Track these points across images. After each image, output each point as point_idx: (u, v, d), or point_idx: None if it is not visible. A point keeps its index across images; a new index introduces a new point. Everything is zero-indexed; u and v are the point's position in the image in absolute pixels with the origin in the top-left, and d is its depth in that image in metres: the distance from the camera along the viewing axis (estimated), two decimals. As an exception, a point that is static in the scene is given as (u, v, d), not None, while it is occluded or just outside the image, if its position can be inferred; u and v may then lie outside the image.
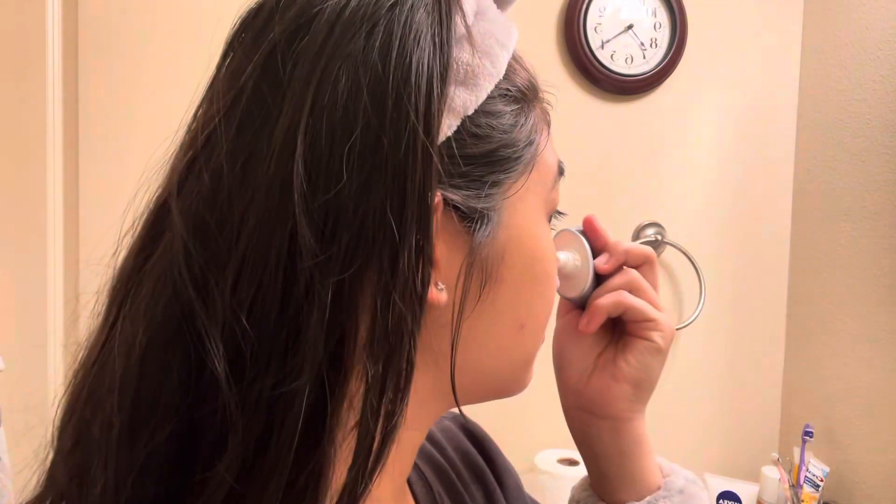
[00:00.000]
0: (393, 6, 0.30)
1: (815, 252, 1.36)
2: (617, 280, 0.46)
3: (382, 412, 0.29)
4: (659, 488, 0.47)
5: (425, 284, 0.30)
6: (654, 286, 0.48)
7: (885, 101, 1.21)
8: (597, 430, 0.47)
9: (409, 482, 0.44)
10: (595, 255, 0.47)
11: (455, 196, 0.33)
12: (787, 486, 1.22)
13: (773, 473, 1.27)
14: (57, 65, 1.18)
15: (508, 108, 0.35)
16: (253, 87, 0.30)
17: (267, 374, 0.27)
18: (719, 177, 1.39)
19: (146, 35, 1.19)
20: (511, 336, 0.37)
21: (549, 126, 0.39)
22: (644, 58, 1.31)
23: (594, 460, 0.49)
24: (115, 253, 0.33)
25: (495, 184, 0.34)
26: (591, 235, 0.47)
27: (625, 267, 0.47)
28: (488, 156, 0.34)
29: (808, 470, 1.23)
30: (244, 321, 0.27)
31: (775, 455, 1.26)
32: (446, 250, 0.33)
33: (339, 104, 0.28)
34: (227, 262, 0.28)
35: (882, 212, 1.21)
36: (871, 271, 1.23)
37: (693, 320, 1.33)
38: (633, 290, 0.46)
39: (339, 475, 0.29)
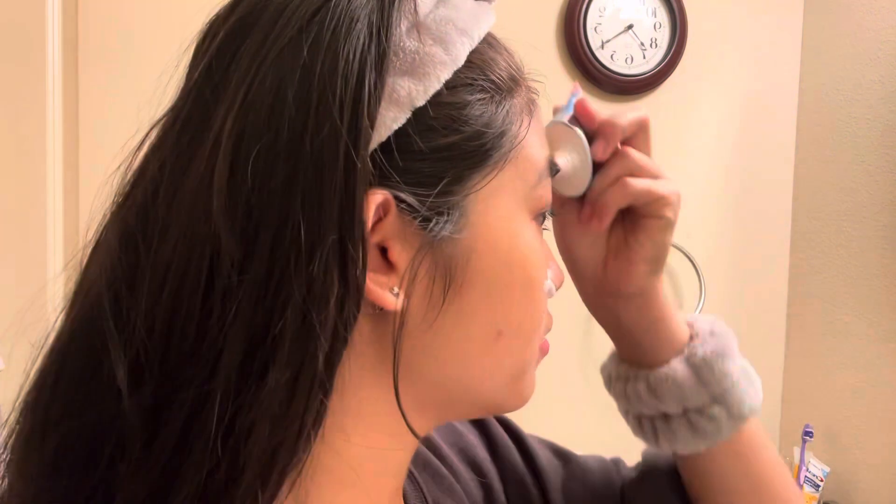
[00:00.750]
0: None
1: (815, 252, 1.36)
2: (616, 168, 0.42)
3: (289, 423, 0.27)
4: (692, 337, 0.47)
5: (352, 288, 0.28)
6: (649, 147, 0.44)
7: (885, 101, 1.21)
8: (623, 309, 0.46)
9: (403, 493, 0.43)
10: (589, 140, 0.43)
11: (405, 194, 0.30)
12: (787, 486, 1.22)
13: (773, 473, 1.27)
14: (57, 64, 1.18)
15: (473, 98, 0.32)
16: (196, 92, 0.29)
17: (178, 377, 0.27)
18: (719, 177, 1.39)
19: (146, 34, 1.19)
20: (486, 345, 0.34)
21: (531, 118, 0.36)
22: (644, 58, 1.31)
23: (625, 335, 0.48)
24: (67, 265, 0.34)
25: (457, 179, 0.31)
26: (584, 120, 0.42)
27: (619, 147, 0.43)
28: (448, 149, 0.31)
29: (808, 470, 1.23)
30: (154, 325, 0.27)
31: (775, 455, 1.26)
32: (403, 253, 0.31)
33: (265, 101, 0.27)
34: (146, 266, 0.27)
35: (882, 212, 1.21)
36: (871, 271, 1.23)
37: (693, 320, 1.33)
38: (634, 172, 0.42)
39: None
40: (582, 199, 0.44)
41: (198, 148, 0.28)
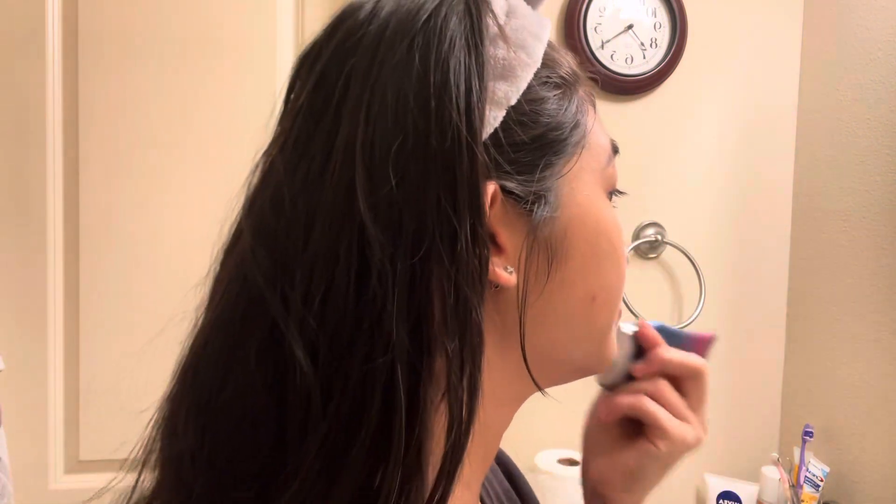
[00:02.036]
0: (427, 19, 0.33)
1: (815, 252, 1.36)
2: (642, 385, 0.48)
3: (465, 384, 0.32)
4: None
5: (483, 264, 0.33)
6: (700, 399, 0.49)
7: (885, 102, 1.21)
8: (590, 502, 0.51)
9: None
10: (642, 356, 0.49)
11: (510, 183, 0.35)
12: (787, 486, 1.22)
13: (773, 473, 1.27)
14: (57, 65, 1.17)
15: (551, 94, 0.37)
16: (308, 106, 0.34)
17: (352, 355, 0.30)
18: (719, 177, 1.39)
19: (146, 35, 1.19)
20: (584, 309, 0.39)
21: (594, 108, 0.41)
22: (644, 58, 1.31)
23: None
24: (211, 266, 0.37)
25: (548, 166, 0.37)
26: (643, 339, 0.49)
27: (659, 378, 0.49)
28: (537, 140, 0.36)
29: (808, 470, 1.23)
30: (319, 310, 0.30)
31: (775, 455, 1.26)
32: (511, 235, 0.36)
33: (390, 112, 0.31)
34: (297, 262, 0.31)
35: (882, 212, 1.21)
36: (871, 271, 1.23)
37: (693, 320, 1.33)
38: (655, 397, 0.48)
39: (437, 449, 0.31)
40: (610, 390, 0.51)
41: (321, 154, 0.32)
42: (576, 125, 0.38)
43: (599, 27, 1.28)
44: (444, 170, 0.31)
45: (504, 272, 0.35)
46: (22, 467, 1.19)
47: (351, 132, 0.32)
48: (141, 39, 1.19)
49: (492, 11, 0.36)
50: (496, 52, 0.35)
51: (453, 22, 0.33)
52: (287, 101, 0.37)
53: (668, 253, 1.37)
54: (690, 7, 1.32)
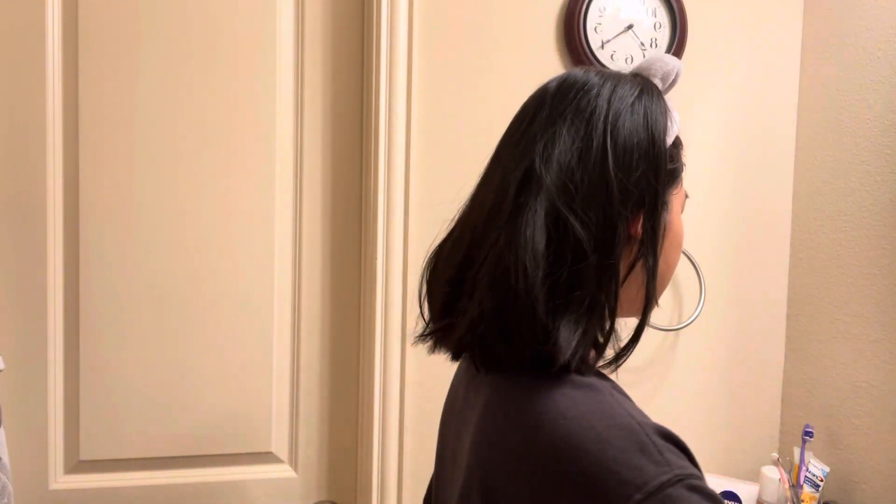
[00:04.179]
0: (639, 94, 0.61)
1: (815, 252, 1.36)
2: None
3: (650, 272, 0.60)
4: None
5: (664, 212, 0.61)
6: None
7: (885, 101, 1.21)
8: None
9: None
10: None
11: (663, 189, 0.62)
12: (787, 486, 1.22)
13: (773, 473, 1.27)
14: (57, 65, 1.17)
15: (676, 150, 0.64)
16: (570, 119, 0.60)
17: (600, 241, 0.56)
18: (719, 177, 1.39)
19: (146, 35, 1.19)
20: (664, 269, 0.65)
21: (685, 165, 0.67)
22: (644, 58, 1.31)
23: None
24: (466, 207, 0.66)
25: (674, 186, 0.64)
26: None
27: None
28: (670, 172, 0.62)
29: (808, 470, 1.23)
30: (592, 226, 0.56)
31: (775, 455, 1.26)
32: None
33: (626, 133, 0.58)
34: (577, 196, 0.57)
35: (882, 212, 1.21)
36: (871, 271, 1.23)
37: (693, 320, 1.33)
38: None
39: (626, 297, 0.62)
40: None
41: (579, 148, 0.58)
42: (682, 169, 0.66)
43: (599, 27, 1.28)
44: (655, 165, 0.59)
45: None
46: (22, 467, 1.19)
47: (602, 140, 0.58)
48: (141, 39, 1.19)
49: (663, 100, 0.63)
50: (666, 121, 0.62)
51: (654, 100, 0.62)
52: (540, 108, 0.62)
53: (668, 253, 1.37)
54: (690, 7, 1.32)
